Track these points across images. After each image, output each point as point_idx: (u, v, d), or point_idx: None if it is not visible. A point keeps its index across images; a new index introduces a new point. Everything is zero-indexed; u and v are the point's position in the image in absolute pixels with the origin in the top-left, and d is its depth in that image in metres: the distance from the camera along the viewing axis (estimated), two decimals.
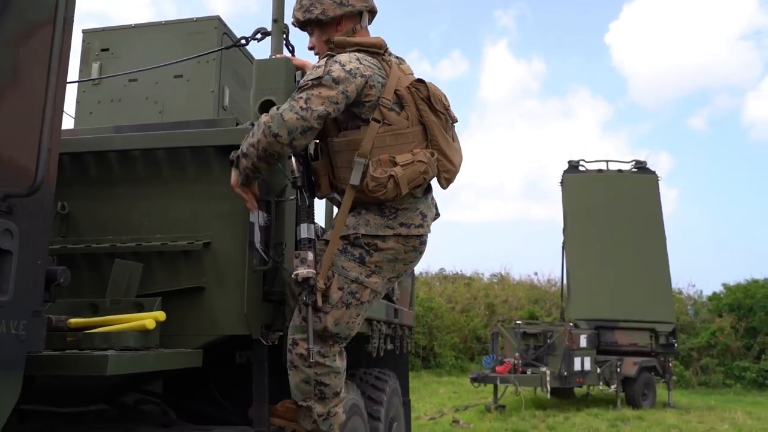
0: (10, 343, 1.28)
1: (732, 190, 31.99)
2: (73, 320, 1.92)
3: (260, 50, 2.93)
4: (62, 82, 1.49)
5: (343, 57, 2.13)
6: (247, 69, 4.04)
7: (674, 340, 11.09)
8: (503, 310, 17.82)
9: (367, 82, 2.11)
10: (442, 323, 16.74)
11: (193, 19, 3.90)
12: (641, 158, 12.30)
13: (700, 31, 36.93)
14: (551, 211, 23.76)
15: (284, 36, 2.68)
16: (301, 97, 2.06)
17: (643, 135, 34.65)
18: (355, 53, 2.16)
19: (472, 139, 37.37)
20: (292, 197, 2.37)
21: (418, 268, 6.27)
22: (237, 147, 2.20)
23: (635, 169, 12.08)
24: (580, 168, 12.28)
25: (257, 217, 2.22)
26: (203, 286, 2.24)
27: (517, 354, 9.78)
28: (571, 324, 10.35)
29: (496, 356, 10.30)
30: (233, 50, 3.89)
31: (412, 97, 2.15)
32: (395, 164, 2.07)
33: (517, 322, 11.24)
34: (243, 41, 2.81)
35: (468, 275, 20.78)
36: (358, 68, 2.10)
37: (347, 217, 2.16)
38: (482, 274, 21.10)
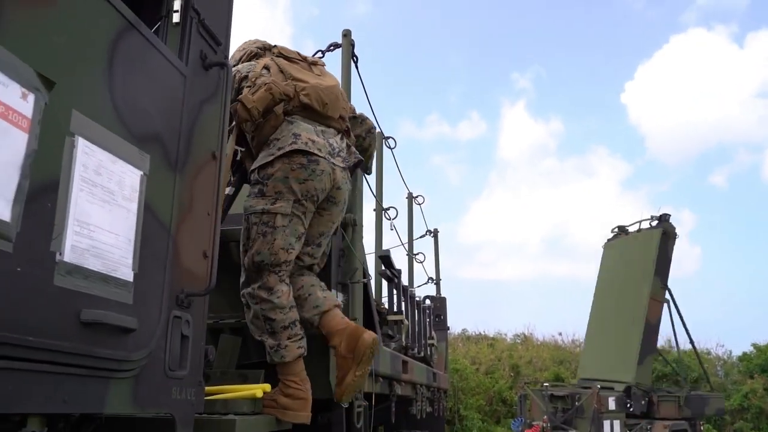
0: (186, 407, 1.69)
1: (757, 247, 31.87)
2: None
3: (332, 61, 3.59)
4: (221, 204, 1.96)
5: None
6: None
7: (644, 401, 10.76)
8: (528, 372, 17.78)
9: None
10: (467, 385, 16.75)
11: None
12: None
13: (715, 88, 37.69)
14: (573, 270, 23.87)
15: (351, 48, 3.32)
16: None
17: (664, 192, 34.93)
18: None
19: (491, 197, 37.96)
20: (364, 279, 2.82)
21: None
22: None
23: (654, 224, 12.13)
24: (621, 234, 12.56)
25: (336, 297, 2.66)
26: None
27: (545, 417, 9.90)
28: (599, 386, 10.46)
29: (524, 419, 10.41)
30: None
31: (273, 61, 2.75)
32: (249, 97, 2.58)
33: (544, 384, 11.36)
34: (319, 53, 3.41)
35: (491, 336, 20.85)
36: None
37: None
38: (505, 334, 21.16)
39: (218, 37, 2.02)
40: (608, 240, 12.73)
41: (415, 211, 6.46)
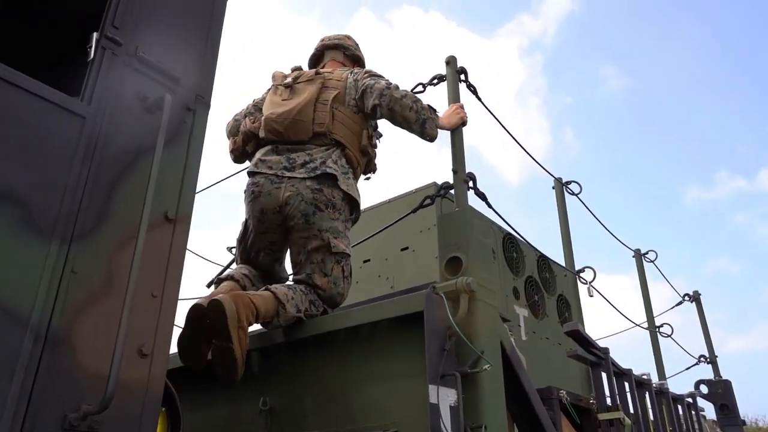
0: None
1: None
2: None
3: (438, 95, 2.98)
4: (177, 282, 1.45)
5: None
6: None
7: None
8: None
9: None
10: None
11: (413, 191, 3.99)
12: None
13: None
14: None
15: (462, 79, 2.76)
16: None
17: None
18: None
19: None
20: (486, 366, 1.96)
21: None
22: (413, 315, 1.97)
23: None
24: None
25: (436, 396, 1.84)
26: None
27: None
28: None
29: None
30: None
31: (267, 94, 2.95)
32: None
33: None
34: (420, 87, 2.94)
35: None
36: None
37: None
38: None
39: (184, 76, 1.61)
40: None
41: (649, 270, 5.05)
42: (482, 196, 2.57)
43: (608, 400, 2.97)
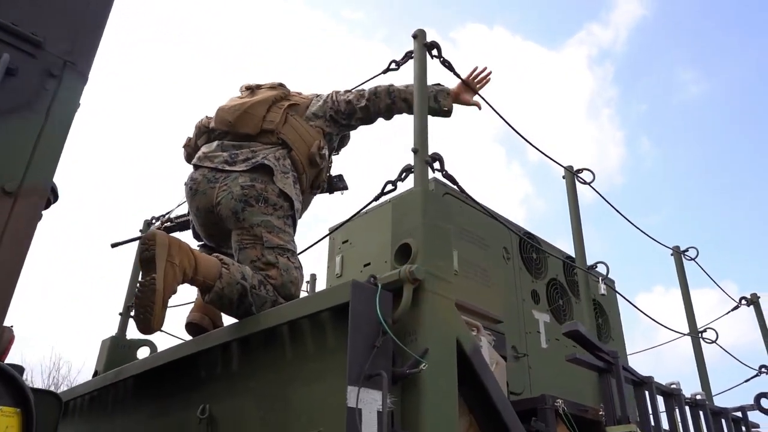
0: None
1: None
2: None
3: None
4: (18, 264, 1.28)
5: None
6: (477, 221, 3.58)
7: None
8: None
9: None
10: None
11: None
12: None
13: None
14: None
15: (435, 54, 2.53)
16: None
17: None
18: None
19: None
20: (423, 365, 1.68)
21: None
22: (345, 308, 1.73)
23: None
24: None
25: (356, 399, 1.58)
26: None
27: None
28: None
29: None
30: (459, 207, 3.53)
31: None
32: None
33: None
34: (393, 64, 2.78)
35: None
36: None
37: None
38: None
39: (49, 41, 1.47)
40: None
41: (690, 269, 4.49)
42: (451, 179, 2.30)
43: (619, 410, 2.58)
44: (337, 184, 2.96)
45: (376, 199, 2.58)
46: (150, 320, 1.93)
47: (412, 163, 2.23)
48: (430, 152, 2.24)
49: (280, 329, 1.96)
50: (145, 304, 1.92)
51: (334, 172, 3.00)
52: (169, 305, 2.03)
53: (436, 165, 2.25)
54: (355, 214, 3.01)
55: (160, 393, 2.41)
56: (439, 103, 2.70)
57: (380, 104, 2.71)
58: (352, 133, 3.03)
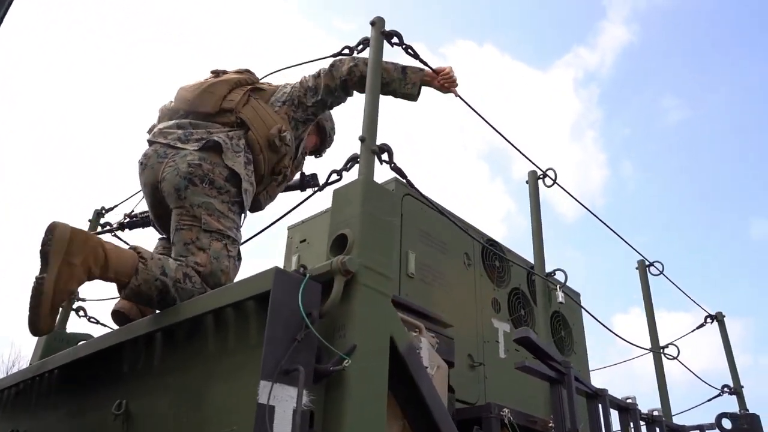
0: None
1: None
2: None
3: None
4: None
5: None
6: (439, 226, 3.48)
7: None
8: None
9: None
10: None
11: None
12: None
13: None
14: None
15: (396, 42, 2.44)
16: None
17: None
18: None
19: None
20: (346, 362, 1.56)
21: None
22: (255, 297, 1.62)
23: None
24: None
25: (268, 395, 1.45)
26: None
27: None
28: None
29: None
30: (420, 210, 3.43)
31: None
32: None
33: None
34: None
35: None
36: None
37: None
38: None
39: None
40: None
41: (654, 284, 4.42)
42: (400, 172, 2.20)
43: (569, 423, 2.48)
44: (309, 182, 2.91)
45: (321, 189, 2.47)
46: (36, 322, 1.79)
47: (359, 152, 2.13)
48: (378, 142, 2.14)
49: (204, 320, 1.83)
50: (32, 305, 1.78)
51: (308, 171, 2.93)
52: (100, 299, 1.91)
53: (385, 157, 2.15)
54: (296, 206, 2.90)
55: (82, 387, 2.27)
56: (406, 75, 2.56)
57: (342, 67, 2.57)
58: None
